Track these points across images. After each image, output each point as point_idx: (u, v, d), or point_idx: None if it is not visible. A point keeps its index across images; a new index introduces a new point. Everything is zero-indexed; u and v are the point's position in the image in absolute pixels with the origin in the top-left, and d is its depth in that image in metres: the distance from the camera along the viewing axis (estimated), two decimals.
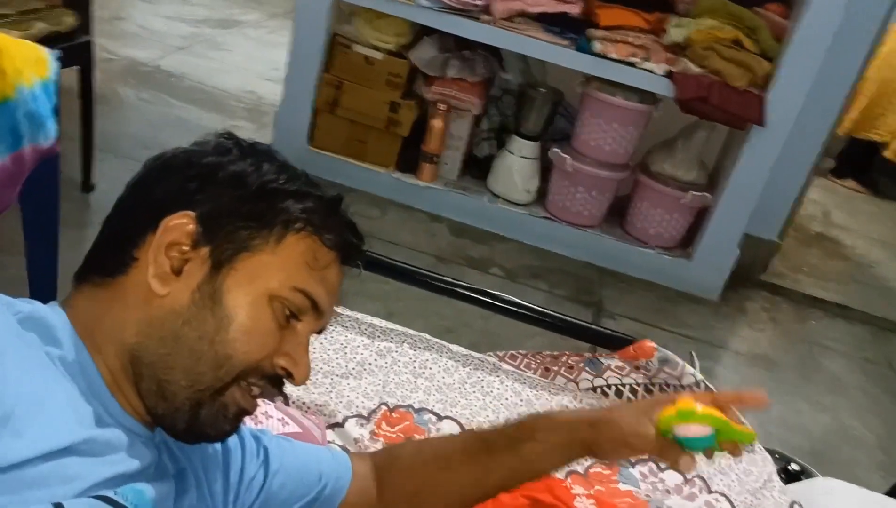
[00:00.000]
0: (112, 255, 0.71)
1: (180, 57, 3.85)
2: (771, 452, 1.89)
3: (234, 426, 0.73)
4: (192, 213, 0.69)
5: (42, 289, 1.68)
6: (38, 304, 0.69)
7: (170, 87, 3.48)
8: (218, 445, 0.82)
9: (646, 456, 1.14)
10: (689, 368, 1.39)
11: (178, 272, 0.69)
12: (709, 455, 0.81)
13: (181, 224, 0.69)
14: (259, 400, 0.75)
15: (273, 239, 0.70)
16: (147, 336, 0.68)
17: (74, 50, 2.29)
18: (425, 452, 0.94)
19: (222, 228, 0.69)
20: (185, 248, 0.69)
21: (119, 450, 0.66)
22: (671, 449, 0.81)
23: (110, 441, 0.65)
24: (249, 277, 0.69)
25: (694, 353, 2.07)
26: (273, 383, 0.73)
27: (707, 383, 1.41)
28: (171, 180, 0.72)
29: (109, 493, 0.63)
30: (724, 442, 0.80)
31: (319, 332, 0.77)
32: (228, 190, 0.71)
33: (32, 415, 0.59)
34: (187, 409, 0.69)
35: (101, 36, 3.65)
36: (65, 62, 2.35)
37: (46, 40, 2.18)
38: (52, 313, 0.68)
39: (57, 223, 1.75)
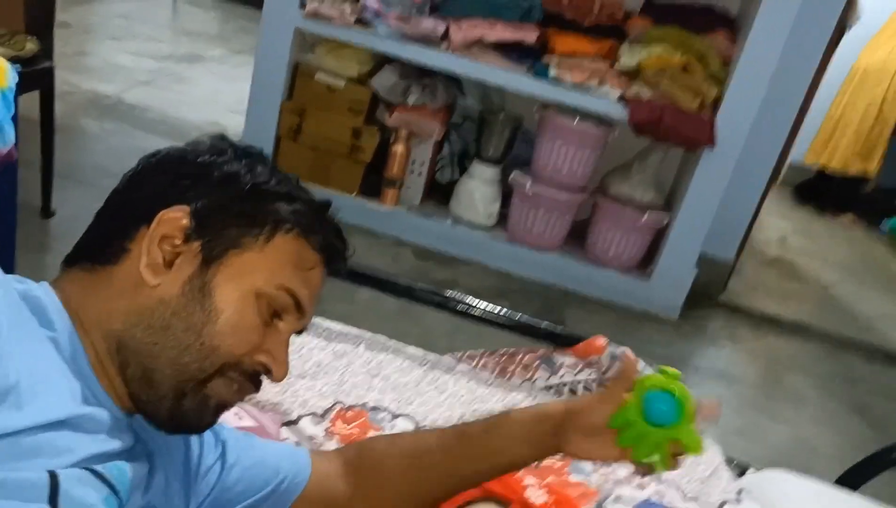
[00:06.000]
0: (104, 245, 0.73)
1: (144, 90, 3.87)
2: (729, 460, 1.92)
3: (214, 418, 0.75)
4: (186, 208, 0.72)
5: None
6: (30, 283, 0.71)
7: (133, 119, 3.50)
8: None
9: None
10: (641, 364, 1.42)
11: (169, 264, 0.71)
12: (667, 464, 0.81)
13: (175, 218, 0.71)
14: None
15: (262, 238, 0.73)
16: (135, 324, 0.70)
17: (35, 75, 2.31)
18: (398, 447, 0.94)
19: (214, 225, 0.72)
20: (178, 242, 0.71)
21: (104, 430, 0.68)
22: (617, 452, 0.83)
23: (99, 420, 0.67)
24: (238, 273, 0.72)
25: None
26: (251, 379, 0.75)
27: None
28: (166, 176, 0.74)
29: (98, 467, 0.65)
30: (674, 444, 0.80)
31: (300, 333, 0.79)
32: (222, 188, 0.73)
33: (34, 390, 0.61)
34: (171, 398, 0.71)
35: (64, 70, 3.68)
36: (26, 87, 2.38)
37: None
38: (43, 293, 0.70)
39: (13, 241, 1.75)
